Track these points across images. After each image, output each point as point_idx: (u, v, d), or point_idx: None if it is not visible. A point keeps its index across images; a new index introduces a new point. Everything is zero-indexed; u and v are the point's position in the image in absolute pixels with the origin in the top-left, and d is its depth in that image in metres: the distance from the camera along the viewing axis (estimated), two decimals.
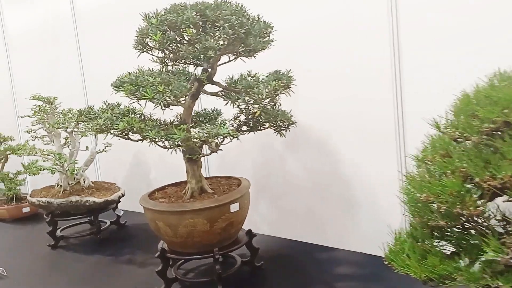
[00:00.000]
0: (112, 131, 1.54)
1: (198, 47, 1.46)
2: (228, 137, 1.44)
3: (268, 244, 2.12)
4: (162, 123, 1.78)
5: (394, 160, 1.79)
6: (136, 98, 1.51)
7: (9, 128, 3.80)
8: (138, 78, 1.48)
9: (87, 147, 2.51)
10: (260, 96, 1.42)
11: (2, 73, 3.92)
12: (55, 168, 2.29)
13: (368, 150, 1.87)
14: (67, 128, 2.41)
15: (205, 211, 1.62)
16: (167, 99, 1.41)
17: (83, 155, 2.64)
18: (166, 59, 1.75)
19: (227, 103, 1.63)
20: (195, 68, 1.81)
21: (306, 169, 2.10)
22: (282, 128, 1.62)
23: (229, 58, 1.67)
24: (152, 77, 1.48)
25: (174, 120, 1.84)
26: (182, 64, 1.79)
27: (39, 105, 2.46)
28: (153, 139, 1.49)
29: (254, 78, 1.53)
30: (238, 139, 1.45)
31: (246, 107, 1.68)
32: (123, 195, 2.46)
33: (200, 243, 1.67)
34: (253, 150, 2.32)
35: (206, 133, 1.40)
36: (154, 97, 1.39)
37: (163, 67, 1.78)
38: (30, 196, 2.49)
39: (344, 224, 2.03)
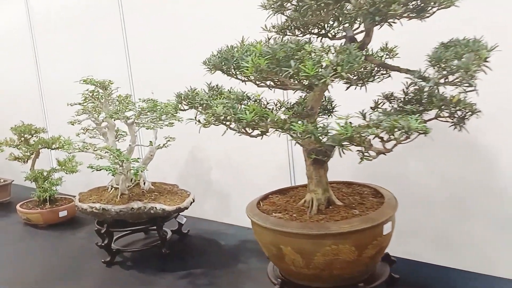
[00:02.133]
0: (235, 124, 1.10)
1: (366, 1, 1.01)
2: (411, 134, 0.99)
3: (399, 267, 1.67)
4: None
5: None
6: (277, 79, 1.05)
7: (36, 119, 3.36)
8: (281, 48, 1.03)
9: (150, 142, 2.06)
10: (467, 72, 0.97)
11: (27, 58, 3.47)
12: (116, 168, 1.84)
13: None
14: (128, 119, 1.95)
15: (354, 235, 1.18)
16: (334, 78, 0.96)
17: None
18: (290, 26, 1.31)
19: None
20: (321, 39, 1.36)
21: (439, 176, 1.65)
22: (464, 119, 1.16)
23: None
24: (299, 46, 1.02)
25: (288, 107, 1.40)
26: (305, 34, 1.35)
27: (92, 90, 2.01)
28: (297, 138, 1.04)
29: (442, 48, 1.07)
30: (425, 135, 1.00)
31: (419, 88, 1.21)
32: (193, 201, 2.02)
33: (339, 276, 1.24)
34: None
35: (388, 126, 0.95)
36: (320, 74, 0.94)
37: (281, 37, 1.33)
38: (79, 201, 2.04)
39: (491, 246, 1.59)
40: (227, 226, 2.36)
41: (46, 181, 2.65)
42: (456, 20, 1.37)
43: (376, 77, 1.38)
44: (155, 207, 1.91)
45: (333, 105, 1.55)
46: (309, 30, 1.34)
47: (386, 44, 1.37)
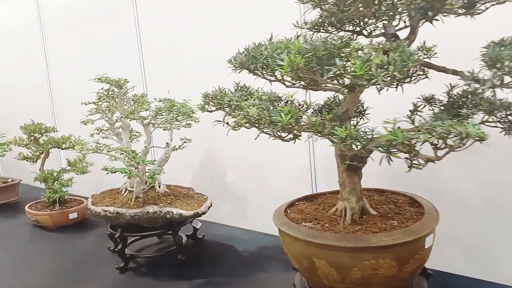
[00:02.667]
0: (269, 127, 1.01)
1: None
2: (466, 140, 0.90)
3: (435, 281, 1.58)
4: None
5: None
6: (313, 78, 0.97)
7: (44, 118, 3.28)
8: (323, 45, 0.94)
9: (167, 143, 1.97)
10: None
11: (36, 55, 3.40)
12: (131, 170, 1.76)
13: None
14: (144, 119, 1.87)
15: (395, 248, 1.09)
16: (386, 78, 0.87)
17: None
18: (324, 22, 1.22)
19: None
20: (356, 37, 1.27)
21: (474, 181, 1.56)
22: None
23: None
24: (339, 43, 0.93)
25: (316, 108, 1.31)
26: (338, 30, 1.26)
27: (107, 89, 1.92)
28: (339, 143, 0.95)
29: (497, 47, 0.98)
30: (481, 142, 0.91)
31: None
32: (211, 205, 1.93)
33: None
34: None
35: (443, 131, 0.86)
36: (371, 74, 0.85)
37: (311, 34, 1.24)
38: (92, 204, 1.96)
39: None
40: (244, 231, 2.27)
41: (56, 182, 2.58)
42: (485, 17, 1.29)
43: (413, 78, 1.29)
44: (172, 212, 1.82)
45: (364, 108, 1.46)
46: (344, 27, 1.25)
47: (424, 42, 1.28)
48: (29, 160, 2.73)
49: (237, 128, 1.08)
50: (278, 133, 1.01)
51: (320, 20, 1.22)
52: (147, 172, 1.79)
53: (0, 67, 3.85)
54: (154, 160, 1.93)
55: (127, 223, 1.90)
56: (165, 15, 2.46)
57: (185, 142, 2.07)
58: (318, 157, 1.97)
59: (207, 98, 1.17)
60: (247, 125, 1.02)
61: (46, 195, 2.48)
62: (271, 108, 1.02)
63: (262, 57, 1.23)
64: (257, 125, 1.02)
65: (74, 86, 3.17)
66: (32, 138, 2.65)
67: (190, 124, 1.89)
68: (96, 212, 1.91)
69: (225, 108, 1.12)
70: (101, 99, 1.95)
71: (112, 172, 1.79)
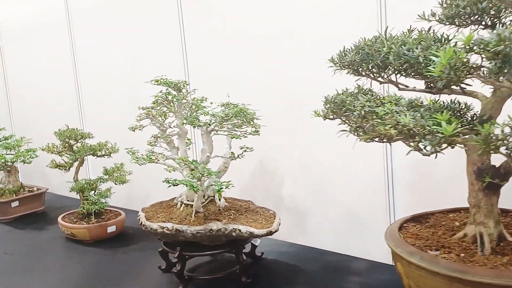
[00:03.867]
0: (426, 139, 0.81)
1: None
2: None
3: None
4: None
5: None
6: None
7: (72, 122, 3.09)
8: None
9: (232, 153, 1.78)
10: None
11: (64, 54, 3.21)
12: (197, 184, 1.56)
13: None
14: (208, 126, 1.67)
15: None
16: None
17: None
18: (458, 13, 1.03)
19: None
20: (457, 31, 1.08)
21: None
22: None
23: None
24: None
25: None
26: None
27: (167, 92, 1.73)
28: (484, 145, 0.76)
29: None
30: None
31: None
32: (280, 222, 1.74)
33: None
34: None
35: None
36: None
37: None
38: (147, 220, 1.76)
39: None
40: (305, 248, 2.07)
41: (94, 192, 2.38)
42: None
43: None
44: (239, 229, 1.62)
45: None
46: (479, 20, 1.06)
47: None
48: (61, 168, 2.53)
49: (370, 141, 0.89)
50: (436, 147, 0.82)
51: (455, 11, 1.03)
52: (214, 185, 1.59)
53: (25, 69, 3.66)
54: (218, 172, 1.73)
55: (185, 241, 1.71)
56: (211, 13, 2.27)
57: (245, 150, 1.87)
58: (396, 170, 1.77)
59: (330, 103, 0.97)
60: (400, 136, 0.83)
61: (85, 207, 2.28)
62: (425, 116, 0.83)
63: (378, 55, 1.04)
64: (410, 136, 0.82)
65: (103, 87, 2.99)
66: (66, 145, 2.45)
67: (258, 131, 1.70)
68: (152, 228, 1.71)
69: (351, 116, 0.93)
70: (157, 103, 1.76)
71: (174, 185, 1.60)
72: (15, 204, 2.87)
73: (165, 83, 1.69)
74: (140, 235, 2.41)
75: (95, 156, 2.51)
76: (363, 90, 1.03)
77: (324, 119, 1.04)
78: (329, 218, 2.01)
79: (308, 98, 1.98)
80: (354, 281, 1.70)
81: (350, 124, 1.00)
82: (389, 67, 1.04)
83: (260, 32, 2.11)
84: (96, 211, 2.32)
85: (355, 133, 0.95)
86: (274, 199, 2.20)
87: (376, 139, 0.90)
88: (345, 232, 1.98)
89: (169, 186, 1.58)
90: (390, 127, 0.82)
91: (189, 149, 2.02)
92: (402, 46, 0.99)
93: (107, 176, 2.43)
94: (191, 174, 1.63)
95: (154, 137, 1.80)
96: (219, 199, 1.80)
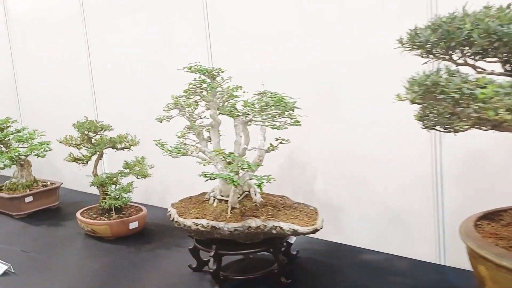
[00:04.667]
0: None
1: None
2: None
3: None
4: None
5: None
6: None
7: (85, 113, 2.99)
8: None
9: (271, 144, 1.67)
10: None
11: (77, 44, 3.10)
12: (237, 179, 1.45)
13: None
14: (247, 115, 1.56)
15: None
16: None
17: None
18: None
19: None
20: None
21: None
22: None
23: None
24: None
25: None
26: None
27: (202, 80, 1.62)
28: None
29: None
30: None
31: None
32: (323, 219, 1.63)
33: None
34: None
35: None
36: None
37: None
38: (179, 216, 1.66)
39: None
40: (339, 246, 1.97)
41: (115, 187, 2.28)
42: None
43: None
44: (280, 227, 1.52)
45: None
46: None
47: None
48: (79, 161, 2.43)
49: (466, 129, 0.78)
50: None
51: None
52: (254, 179, 1.48)
53: (35, 61, 3.55)
54: (257, 164, 1.62)
55: (219, 239, 1.61)
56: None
57: (281, 142, 1.77)
58: (447, 162, 1.66)
59: (419, 86, 0.87)
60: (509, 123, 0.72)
61: (106, 201, 2.17)
62: None
63: (461, 33, 0.94)
64: None
65: (117, 75, 2.88)
66: (85, 137, 2.34)
67: (299, 122, 1.59)
68: (185, 225, 1.61)
69: (445, 100, 0.82)
70: (189, 92, 1.65)
71: (211, 179, 1.49)
72: (29, 199, 2.77)
73: (199, 70, 1.58)
74: (162, 232, 2.31)
75: (115, 149, 2.40)
76: (451, 72, 0.92)
77: (412, 104, 0.93)
78: (366, 214, 1.91)
79: (347, 84, 1.88)
80: (399, 282, 1.60)
81: (440, 110, 0.89)
82: (472, 47, 0.93)
83: (281, 21, 2.00)
84: (118, 206, 2.22)
85: (447, 120, 0.84)
86: (304, 194, 2.10)
87: (476, 127, 0.80)
88: (384, 228, 1.88)
89: (206, 180, 1.48)
90: (505, 111, 0.71)
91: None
92: (491, 22, 0.88)
93: (128, 170, 2.33)
94: (228, 167, 1.53)
95: (188, 128, 1.69)
96: (255, 194, 1.69)
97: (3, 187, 2.92)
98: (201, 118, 1.79)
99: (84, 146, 2.42)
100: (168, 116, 1.81)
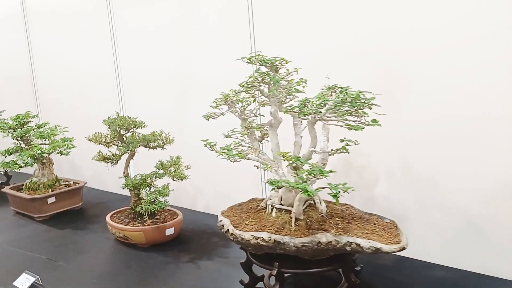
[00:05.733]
0: None
1: None
2: None
3: None
4: None
5: None
6: None
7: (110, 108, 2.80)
8: None
9: (344, 147, 1.45)
10: None
11: (103, 36, 2.89)
12: (310, 188, 1.24)
13: None
14: (319, 113, 1.34)
15: None
16: None
17: None
18: None
19: None
20: None
21: None
22: None
23: None
24: None
25: None
26: None
27: (265, 73, 1.40)
28: None
29: None
30: None
31: None
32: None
33: None
34: None
35: None
36: None
37: None
38: (234, 227, 1.45)
39: None
40: (404, 260, 1.76)
41: (149, 190, 2.08)
42: None
43: None
44: (356, 243, 1.31)
45: None
46: None
47: None
48: (108, 161, 2.23)
49: None
50: None
51: None
52: (332, 187, 1.27)
53: (57, 54, 3.35)
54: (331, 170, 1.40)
55: (280, 254, 1.40)
56: None
57: (347, 144, 1.55)
58: None
59: None
60: None
61: (143, 206, 1.97)
62: None
63: None
64: None
65: (144, 71, 2.68)
66: (117, 134, 2.14)
67: (377, 121, 1.37)
68: (243, 239, 1.40)
69: None
70: (247, 86, 1.43)
71: (278, 187, 1.29)
72: (51, 200, 2.58)
73: (260, 61, 1.37)
74: (199, 239, 2.12)
75: (147, 148, 2.20)
76: None
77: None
78: (437, 224, 1.70)
79: (415, 65, 1.66)
80: None
81: None
82: None
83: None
84: (154, 211, 2.02)
85: None
86: (362, 201, 1.88)
87: None
88: (459, 242, 1.66)
89: (273, 188, 1.27)
90: None
91: (266, 142, 1.71)
92: None
93: (162, 171, 2.13)
94: (296, 174, 1.32)
95: (246, 128, 1.48)
96: (321, 203, 1.48)
97: (22, 187, 2.74)
98: (255, 115, 1.58)
99: (114, 144, 2.22)
100: (214, 114, 1.61)
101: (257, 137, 1.65)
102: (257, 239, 1.38)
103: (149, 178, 2.07)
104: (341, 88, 1.40)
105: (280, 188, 1.29)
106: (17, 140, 2.68)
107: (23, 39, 3.57)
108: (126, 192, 3.05)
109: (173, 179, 2.08)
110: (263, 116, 1.56)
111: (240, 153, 1.37)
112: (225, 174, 2.40)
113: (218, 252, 1.94)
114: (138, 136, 2.18)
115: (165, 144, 2.20)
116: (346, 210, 1.56)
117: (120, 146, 2.18)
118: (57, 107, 3.44)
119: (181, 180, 2.08)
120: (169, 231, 2.05)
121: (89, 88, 3.12)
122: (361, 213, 1.53)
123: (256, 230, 1.42)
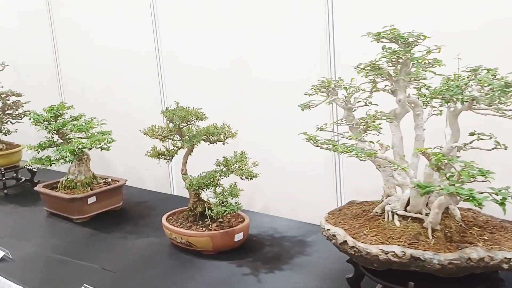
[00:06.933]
0: None
1: None
2: None
3: None
4: None
5: None
6: None
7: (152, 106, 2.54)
8: None
9: (495, 145, 1.20)
10: None
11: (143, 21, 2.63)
12: (478, 196, 0.99)
13: None
14: (476, 98, 1.08)
15: None
16: None
17: None
18: None
19: None
20: None
21: None
22: None
23: None
24: None
25: None
26: None
27: (402, 51, 1.14)
28: None
29: None
30: None
31: None
32: None
33: None
34: None
35: None
36: None
37: None
38: (353, 237, 1.20)
39: None
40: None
41: (214, 190, 1.82)
42: None
43: None
44: None
45: None
46: None
47: None
48: (163, 157, 1.99)
49: None
50: None
51: None
52: (491, 192, 1.02)
53: (85, 38, 3.07)
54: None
55: (407, 272, 1.16)
56: None
57: (479, 138, 1.29)
58: None
59: None
60: None
61: (214, 210, 1.71)
62: None
63: None
64: None
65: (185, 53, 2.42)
66: (177, 127, 1.89)
67: None
68: (368, 253, 1.16)
69: None
70: (373, 68, 1.17)
71: (427, 193, 1.03)
72: (92, 200, 2.33)
73: (394, 36, 1.11)
74: (271, 245, 1.87)
75: (208, 143, 1.94)
76: None
77: None
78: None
79: None
80: None
81: None
82: None
83: None
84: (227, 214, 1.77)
85: None
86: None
87: None
88: None
89: (423, 194, 1.02)
90: None
91: (368, 134, 1.45)
92: None
93: (226, 168, 1.87)
94: (444, 176, 1.06)
95: (363, 120, 1.22)
96: (455, 210, 1.23)
97: (56, 185, 2.48)
98: (366, 104, 1.33)
99: (169, 138, 1.97)
100: (311, 103, 1.36)
101: (361, 130, 1.40)
102: (387, 253, 1.13)
103: (214, 177, 1.82)
104: (488, 70, 1.15)
105: (429, 192, 1.04)
106: (52, 134, 2.42)
107: (45, 18, 3.28)
108: (167, 190, 2.82)
109: (241, 178, 1.83)
110: (377, 105, 1.30)
111: (370, 151, 1.12)
112: (287, 171, 2.16)
113: (298, 261, 1.69)
114: (199, 129, 1.92)
115: (226, 138, 1.95)
116: (477, 217, 1.31)
117: (176, 140, 1.92)
118: (84, 97, 3.16)
119: (251, 179, 1.83)
120: (238, 236, 1.81)
121: (124, 75, 2.86)
122: (498, 221, 1.29)
123: (382, 243, 1.17)
